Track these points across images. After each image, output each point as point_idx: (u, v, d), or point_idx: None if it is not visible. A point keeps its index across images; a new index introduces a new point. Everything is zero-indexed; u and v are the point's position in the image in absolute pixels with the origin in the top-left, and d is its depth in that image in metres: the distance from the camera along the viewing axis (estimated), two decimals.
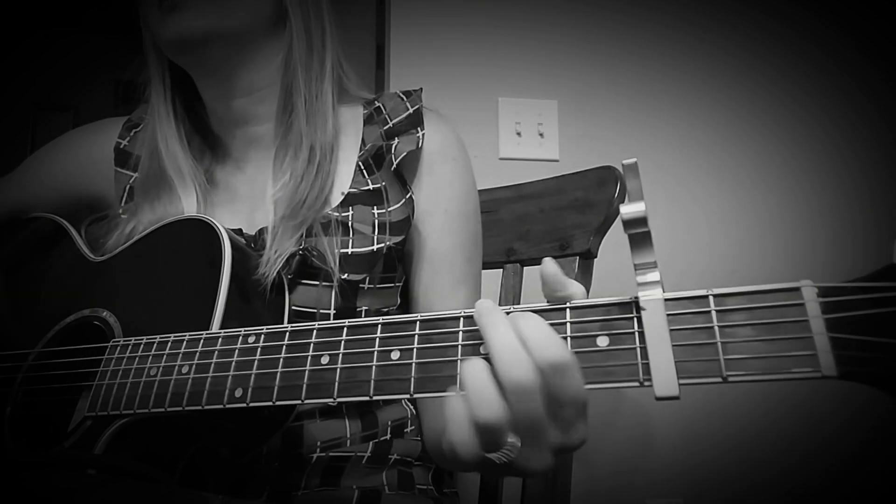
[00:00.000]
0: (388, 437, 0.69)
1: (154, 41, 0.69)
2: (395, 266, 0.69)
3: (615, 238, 0.89)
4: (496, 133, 1.37)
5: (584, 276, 0.83)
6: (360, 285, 0.65)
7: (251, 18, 0.66)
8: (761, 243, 1.44)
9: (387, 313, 0.69)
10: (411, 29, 1.39)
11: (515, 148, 1.38)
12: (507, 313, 0.39)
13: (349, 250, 0.64)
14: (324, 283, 0.63)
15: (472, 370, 0.37)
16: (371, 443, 0.68)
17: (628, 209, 0.36)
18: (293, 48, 0.68)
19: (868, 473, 1.37)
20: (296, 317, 0.61)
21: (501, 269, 0.89)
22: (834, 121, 1.51)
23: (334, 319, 0.61)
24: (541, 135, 1.39)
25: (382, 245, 0.65)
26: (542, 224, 0.87)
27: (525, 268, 0.90)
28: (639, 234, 0.36)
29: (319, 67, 0.69)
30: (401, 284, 0.72)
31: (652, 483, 1.33)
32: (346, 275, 0.63)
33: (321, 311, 0.63)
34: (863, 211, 1.48)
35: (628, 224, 0.36)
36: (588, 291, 0.84)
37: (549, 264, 0.39)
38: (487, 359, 0.37)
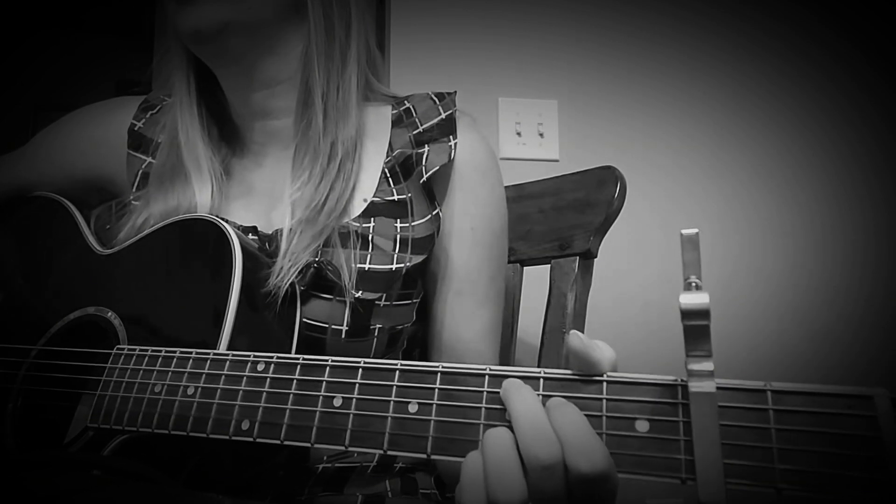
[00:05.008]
0: None
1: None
2: (414, 283, 0.66)
3: (615, 238, 0.89)
4: (496, 133, 1.37)
5: (584, 277, 0.83)
6: (376, 303, 0.62)
7: (268, 7, 0.63)
8: (761, 244, 1.44)
9: (401, 331, 0.67)
10: (411, 29, 1.39)
11: (515, 148, 1.37)
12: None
13: (367, 266, 0.61)
14: (338, 299, 0.60)
15: (496, 443, 0.34)
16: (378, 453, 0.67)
17: (690, 300, 0.32)
18: (311, 37, 0.64)
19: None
20: (307, 330, 0.60)
21: None
22: (834, 121, 1.51)
23: (346, 337, 0.61)
24: (541, 135, 1.39)
25: (402, 266, 0.62)
26: (542, 224, 0.87)
27: (525, 268, 0.90)
28: (697, 327, 0.32)
29: (341, 58, 0.66)
30: (418, 301, 0.69)
31: (652, 483, 1.33)
32: (360, 292, 0.60)
33: (333, 326, 0.60)
34: (862, 210, 1.48)
35: (688, 315, 0.32)
36: (588, 291, 0.84)
37: (575, 338, 0.36)
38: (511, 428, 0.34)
